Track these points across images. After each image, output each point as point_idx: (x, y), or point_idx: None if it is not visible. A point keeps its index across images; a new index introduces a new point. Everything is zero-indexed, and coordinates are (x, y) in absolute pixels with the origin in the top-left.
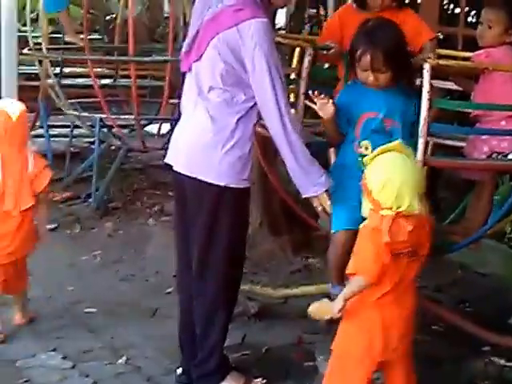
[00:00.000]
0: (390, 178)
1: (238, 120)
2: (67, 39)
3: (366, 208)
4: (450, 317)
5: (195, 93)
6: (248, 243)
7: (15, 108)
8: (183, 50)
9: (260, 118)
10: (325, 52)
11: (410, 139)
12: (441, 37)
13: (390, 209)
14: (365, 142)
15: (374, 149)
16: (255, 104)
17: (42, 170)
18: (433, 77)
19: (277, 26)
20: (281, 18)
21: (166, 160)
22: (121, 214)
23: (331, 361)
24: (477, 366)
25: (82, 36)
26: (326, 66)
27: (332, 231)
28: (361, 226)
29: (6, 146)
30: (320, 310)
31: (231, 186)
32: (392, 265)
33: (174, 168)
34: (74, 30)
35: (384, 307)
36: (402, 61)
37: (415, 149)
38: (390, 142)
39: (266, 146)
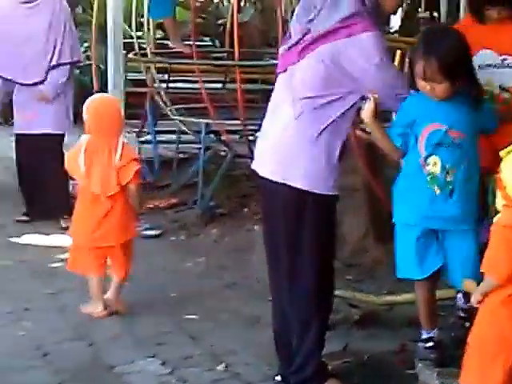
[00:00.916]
0: None
1: (326, 128)
2: (172, 45)
3: (499, 203)
4: None
5: (286, 95)
6: (354, 250)
7: (107, 101)
8: (281, 51)
9: (360, 122)
10: None
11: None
12: None
13: None
14: (433, 158)
15: (444, 165)
16: (345, 114)
17: (129, 162)
18: None
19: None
20: (396, 21)
21: (253, 166)
22: (227, 221)
23: (467, 355)
24: None
25: (187, 42)
26: None
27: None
28: (494, 220)
29: (96, 133)
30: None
31: (316, 191)
32: None
33: (260, 174)
34: (179, 36)
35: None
36: (460, 71)
37: None
38: (461, 155)
39: (369, 153)
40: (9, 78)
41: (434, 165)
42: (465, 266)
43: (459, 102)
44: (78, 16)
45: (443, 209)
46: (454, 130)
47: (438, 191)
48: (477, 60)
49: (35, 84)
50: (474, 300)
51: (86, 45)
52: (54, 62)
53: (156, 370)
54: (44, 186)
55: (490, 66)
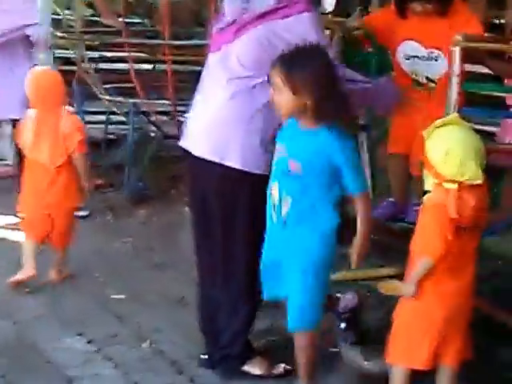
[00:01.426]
0: (451, 148)
1: (260, 108)
2: (104, 22)
3: (429, 183)
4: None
5: (220, 75)
6: None
7: (48, 73)
8: (214, 30)
9: None
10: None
11: (324, 195)
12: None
13: (454, 181)
14: (275, 184)
15: (280, 193)
16: None
17: (74, 131)
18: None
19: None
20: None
21: (184, 146)
22: (155, 202)
23: (394, 332)
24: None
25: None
26: None
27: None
28: (424, 199)
29: (40, 105)
30: (390, 286)
31: (252, 171)
32: (454, 240)
33: (194, 153)
34: (109, 12)
35: (443, 281)
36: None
37: None
38: (300, 187)
39: None
40: None
41: (274, 192)
42: (290, 309)
43: (319, 131)
44: None
45: (277, 238)
46: (292, 158)
47: (274, 219)
48: (403, 50)
49: None
50: (409, 291)
51: None
52: None
53: (82, 347)
54: None
55: (416, 57)
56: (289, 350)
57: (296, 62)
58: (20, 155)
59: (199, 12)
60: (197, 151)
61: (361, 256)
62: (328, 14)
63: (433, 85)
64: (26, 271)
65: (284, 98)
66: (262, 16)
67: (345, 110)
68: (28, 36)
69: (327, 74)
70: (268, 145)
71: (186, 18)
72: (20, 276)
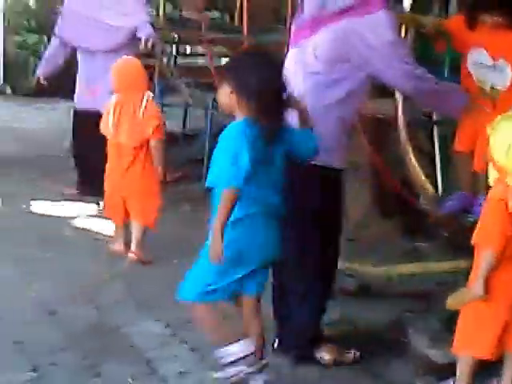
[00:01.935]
0: None
1: (335, 103)
2: (185, 15)
3: (492, 178)
4: None
5: (297, 69)
6: (356, 225)
7: (130, 61)
8: (293, 26)
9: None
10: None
11: None
12: None
13: None
14: None
15: None
16: (353, 91)
17: (151, 116)
18: None
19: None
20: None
21: None
22: None
23: (461, 320)
24: None
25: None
26: None
27: None
28: (488, 194)
29: (122, 91)
30: (457, 299)
31: (326, 165)
32: None
33: None
34: (192, 6)
35: (506, 271)
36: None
37: None
38: None
39: (373, 130)
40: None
41: None
42: None
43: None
44: None
45: None
46: None
47: None
48: (471, 58)
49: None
50: (477, 292)
51: None
52: None
53: (159, 331)
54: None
55: (482, 66)
56: (358, 339)
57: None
58: None
59: (278, 8)
60: None
61: None
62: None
63: (497, 94)
64: (117, 245)
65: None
66: (339, 13)
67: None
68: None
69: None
70: (343, 139)
71: (266, 13)
72: (113, 248)
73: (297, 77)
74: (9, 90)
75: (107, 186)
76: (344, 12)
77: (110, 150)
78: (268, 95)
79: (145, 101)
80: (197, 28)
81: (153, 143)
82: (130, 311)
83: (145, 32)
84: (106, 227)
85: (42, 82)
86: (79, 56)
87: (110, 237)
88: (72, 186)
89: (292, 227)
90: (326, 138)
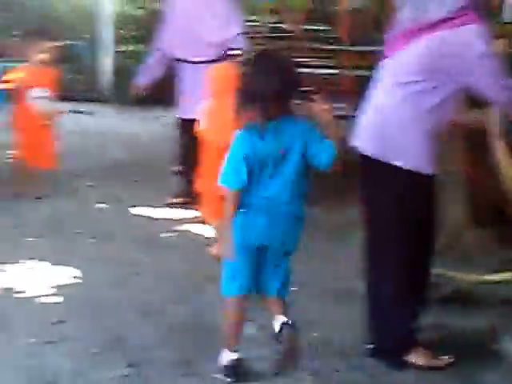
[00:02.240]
0: None
1: (425, 112)
2: (287, 28)
3: None
4: None
5: (389, 80)
6: (451, 234)
7: (225, 67)
8: (387, 38)
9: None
10: None
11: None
12: None
13: None
14: None
15: None
16: (444, 101)
17: None
18: None
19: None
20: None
21: (355, 144)
22: (329, 201)
23: None
24: None
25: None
26: None
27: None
28: None
29: (216, 94)
30: None
31: (418, 171)
32: None
33: (363, 152)
34: (292, 19)
35: None
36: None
37: None
38: None
39: (468, 139)
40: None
41: None
42: None
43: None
44: None
45: None
46: None
47: None
48: None
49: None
50: None
51: None
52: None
53: (252, 332)
54: None
55: None
56: (452, 345)
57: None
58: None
59: (380, 19)
60: (367, 151)
61: None
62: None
63: None
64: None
65: None
66: (433, 25)
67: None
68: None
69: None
70: (435, 146)
71: (367, 24)
72: (215, 251)
73: (388, 86)
74: (116, 99)
75: (204, 187)
76: (439, 23)
77: (206, 150)
78: (265, 96)
79: None
80: (297, 39)
81: None
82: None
83: (238, 44)
84: (207, 231)
85: (141, 91)
86: (179, 67)
87: (210, 239)
88: (175, 192)
89: (386, 233)
90: (416, 146)
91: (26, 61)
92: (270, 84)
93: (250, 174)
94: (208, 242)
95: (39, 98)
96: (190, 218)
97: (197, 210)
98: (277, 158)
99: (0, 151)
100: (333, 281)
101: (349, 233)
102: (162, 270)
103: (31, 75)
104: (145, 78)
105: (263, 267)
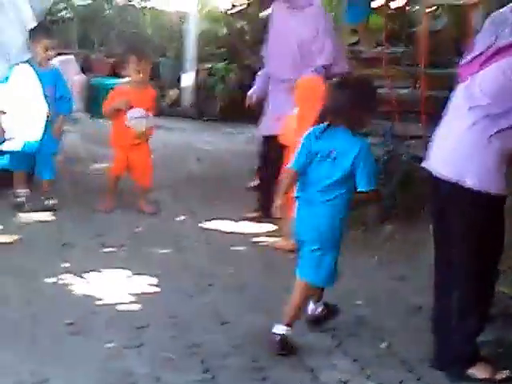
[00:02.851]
0: None
1: (497, 134)
2: (362, 49)
3: None
4: None
5: (464, 103)
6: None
7: (310, 79)
8: (462, 61)
9: None
10: None
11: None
12: None
13: None
14: None
15: None
16: None
17: None
18: None
19: None
20: None
21: (426, 166)
22: (402, 220)
23: None
24: None
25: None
26: None
27: None
28: None
29: (302, 103)
30: None
31: (487, 191)
32: None
33: (434, 174)
34: (370, 41)
35: None
36: None
37: None
38: None
39: None
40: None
41: None
42: None
43: None
44: None
45: None
46: None
47: None
48: None
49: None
50: None
51: None
52: None
53: (324, 342)
54: None
55: None
56: None
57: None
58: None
59: (461, 42)
60: (438, 172)
61: None
62: None
63: None
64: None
65: None
66: (506, 51)
67: None
68: None
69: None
70: (504, 167)
71: (447, 46)
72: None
73: (462, 109)
74: (197, 114)
75: None
76: (510, 49)
77: (288, 156)
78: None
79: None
80: (376, 60)
81: None
82: (299, 323)
83: (340, 69)
84: (285, 245)
85: (253, 103)
86: (271, 85)
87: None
88: (252, 207)
89: (455, 250)
90: (486, 168)
91: (123, 78)
92: (341, 100)
93: (307, 166)
94: (286, 255)
95: (137, 118)
96: (265, 232)
97: (272, 224)
98: (325, 157)
99: (93, 164)
100: (402, 295)
101: (419, 249)
102: (237, 280)
103: (132, 95)
104: (256, 91)
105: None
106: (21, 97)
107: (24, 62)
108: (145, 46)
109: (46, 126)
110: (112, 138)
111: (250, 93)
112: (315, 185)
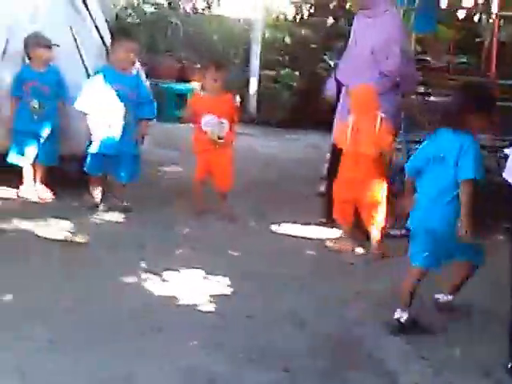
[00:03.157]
0: None
1: None
2: (428, 58)
3: None
4: None
5: None
6: None
7: (365, 87)
8: None
9: None
10: None
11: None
12: None
13: None
14: None
15: None
16: None
17: (385, 133)
18: None
19: None
20: None
21: (504, 176)
22: None
23: None
24: None
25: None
26: None
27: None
28: None
29: (357, 111)
30: None
31: None
32: None
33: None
34: (438, 52)
35: None
36: None
37: None
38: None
39: None
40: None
41: None
42: None
43: None
44: None
45: None
46: None
47: None
48: None
49: None
50: None
51: None
52: None
53: (400, 346)
54: None
55: None
56: None
57: None
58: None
59: None
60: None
61: None
62: None
63: None
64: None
65: None
66: None
67: None
68: None
69: None
70: None
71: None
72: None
73: None
74: (261, 120)
75: (338, 193)
76: None
77: (346, 160)
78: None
79: (379, 119)
80: (441, 70)
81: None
82: (372, 327)
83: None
84: (355, 248)
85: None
86: (342, 93)
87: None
88: (319, 212)
89: None
90: None
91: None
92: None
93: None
94: (349, 258)
95: (211, 124)
96: (332, 237)
97: (338, 229)
98: (437, 159)
99: (163, 167)
100: (479, 301)
101: (496, 255)
102: (308, 284)
103: (209, 102)
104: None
105: None
106: (101, 101)
107: (103, 67)
108: (219, 55)
109: (127, 130)
110: (193, 144)
111: (326, 89)
112: (432, 187)
